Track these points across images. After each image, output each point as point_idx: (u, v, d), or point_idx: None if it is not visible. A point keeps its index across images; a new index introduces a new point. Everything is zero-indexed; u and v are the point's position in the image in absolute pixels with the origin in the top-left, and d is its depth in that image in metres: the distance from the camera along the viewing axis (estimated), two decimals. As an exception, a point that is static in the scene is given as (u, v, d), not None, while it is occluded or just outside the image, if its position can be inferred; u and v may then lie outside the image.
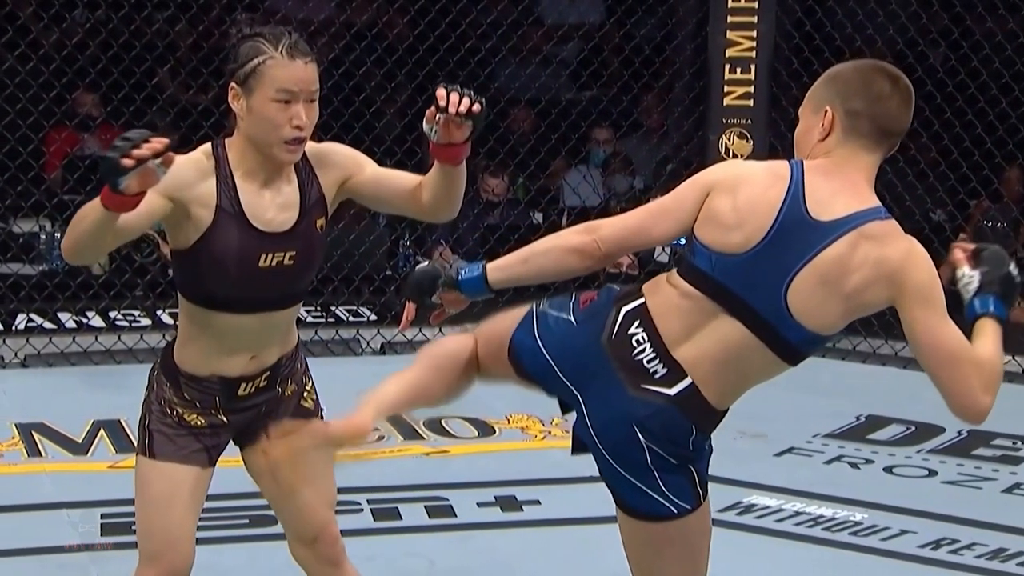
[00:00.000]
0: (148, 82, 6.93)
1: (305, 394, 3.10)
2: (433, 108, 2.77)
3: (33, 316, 6.70)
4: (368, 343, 6.93)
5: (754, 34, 7.04)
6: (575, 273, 2.76)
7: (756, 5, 7.06)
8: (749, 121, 7.03)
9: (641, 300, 2.69)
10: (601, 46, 8.25)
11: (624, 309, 2.69)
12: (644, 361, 2.65)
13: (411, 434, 5.49)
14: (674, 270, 2.72)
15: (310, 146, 2.94)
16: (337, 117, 7.11)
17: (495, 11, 7.77)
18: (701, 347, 2.65)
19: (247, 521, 4.47)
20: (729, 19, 7.07)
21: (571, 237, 2.74)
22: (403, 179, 2.99)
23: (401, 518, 4.61)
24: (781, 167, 2.69)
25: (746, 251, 2.62)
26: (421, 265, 2.79)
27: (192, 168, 2.84)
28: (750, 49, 7.08)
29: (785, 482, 5.03)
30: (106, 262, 7.06)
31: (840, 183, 2.66)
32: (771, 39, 7.11)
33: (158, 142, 2.54)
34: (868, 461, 5.36)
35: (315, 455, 2.79)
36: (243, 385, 2.98)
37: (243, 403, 3.00)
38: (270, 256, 2.87)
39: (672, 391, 2.65)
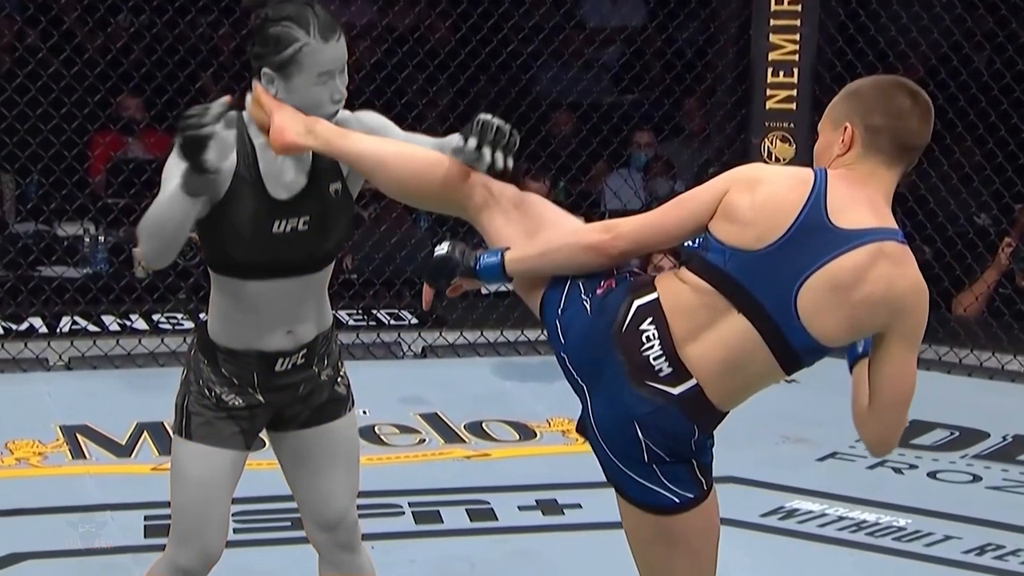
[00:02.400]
0: (191, 86, 6.96)
1: (339, 379, 3.11)
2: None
3: (77, 319, 6.73)
4: (409, 346, 6.93)
5: (797, 37, 7.01)
6: (590, 270, 2.75)
7: (799, 8, 7.03)
8: (792, 125, 7.00)
9: (655, 295, 2.69)
10: (643, 49, 8.24)
11: (637, 303, 2.69)
12: (651, 358, 2.66)
13: (452, 437, 5.49)
14: (683, 266, 2.72)
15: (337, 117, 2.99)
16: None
17: (537, 14, 7.77)
18: (708, 346, 2.65)
19: (289, 524, 4.48)
20: (772, 22, 7.04)
21: (588, 235, 2.75)
22: (423, 143, 3.00)
23: (442, 521, 4.62)
24: (805, 172, 2.70)
25: (761, 248, 2.63)
26: (440, 249, 2.79)
27: (224, 146, 2.85)
28: (793, 52, 7.05)
29: (828, 487, 5.00)
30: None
31: (861, 196, 2.67)
32: (814, 42, 7.08)
33: (224, 99, 2.66)
34: (911, 466, 5.33)
35: None
36: (280, 361, 2.98)
37: (280, 380, 3.00)
38: (283, 223, 2.89)
39: (676, 391, 2.66)
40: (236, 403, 2.99)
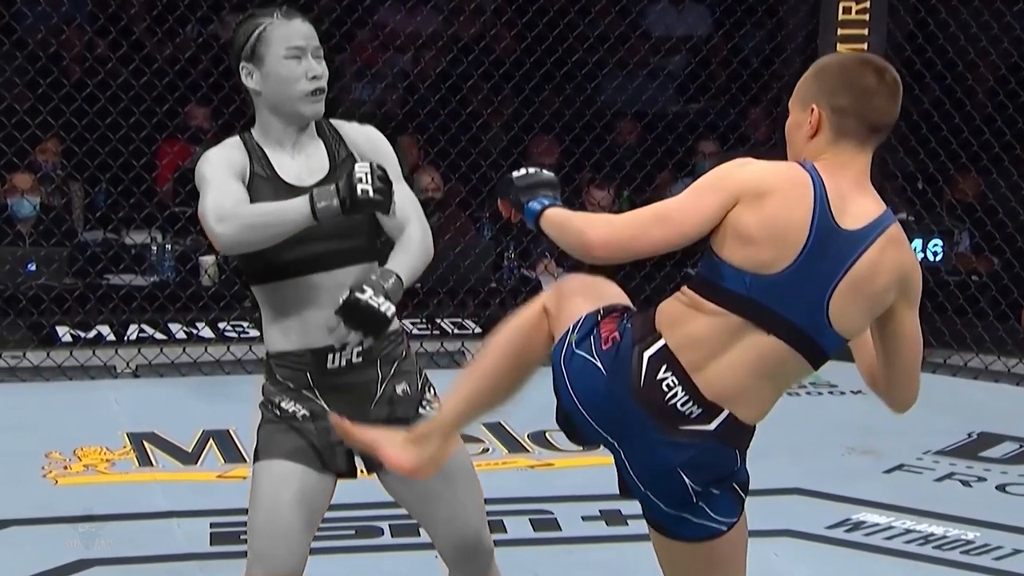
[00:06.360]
0: (258, 96, 7.00)
1: (425, 403, 3.05)
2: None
3: (144, 327, 6.79)
4: (473, 355, 6.93)
5: (865, 47, 6.95)
6: (577, 258, 2.74)
7: (867, 17, 6.98)
8: (858, 134, 6.94)
9: (662, 342, 2.64)
10: (709, 58, 8.22)
11: (647, 354, 2.64)
12: (678, 405, 2.62)
13: (516, 447, 5.49)
14: (686, 291, 2.67)
15: (343, 123, 3.03)
16: (444, 130, 7.14)
17: (602, 24, 7.77)
18: (733, 369, 2.62)
19: (353, 532, 4.49)
20: (839, 31, 7.00)
21: (589, 231, 2.68)
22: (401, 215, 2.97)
23: (506, 531, 4.61)
24: (798, 173, 2.63)
25: (783, 269, 2.59)
26: (515, 172, 2.85)
27: (236, 151, 2.96)
28: (860, 61, 7.00)
29: (895, 499, 4.96)
30: (215, 273, 7.15)
31: (849, 184, 2.64)
32: (882, 52, 7.00)
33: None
34: (980, 479, 5.28)
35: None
36: (331, 357, 2.94)
37: (337, 380, 2.95)
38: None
39: (711, 427, 2.62)
40: (297, 410, 2.95)
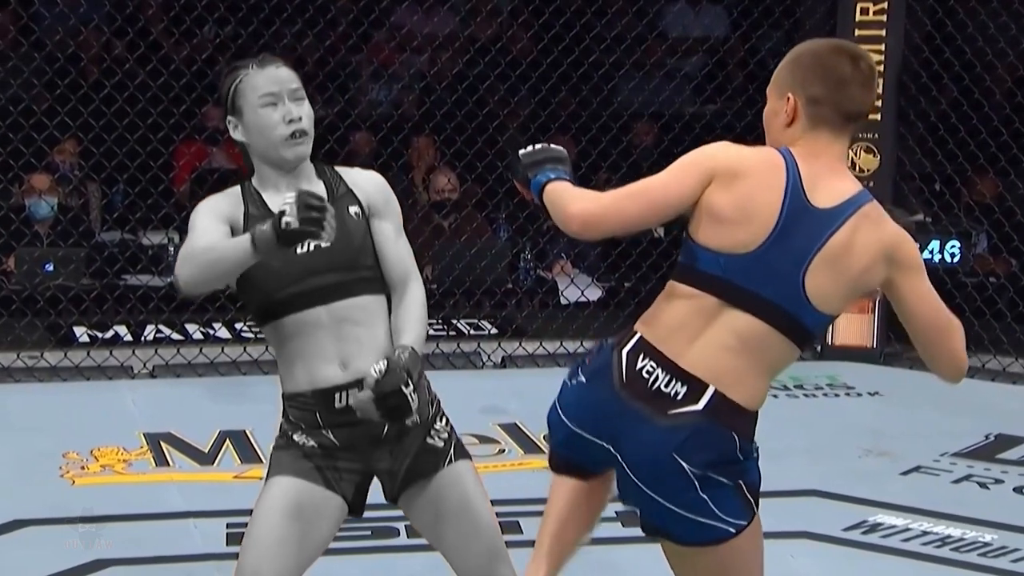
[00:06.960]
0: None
1: (433, 432, 3.04)
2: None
3: (161, 327, 6.81)
4: (489, 356, 6.94)
5: (882, 48, 6.95)
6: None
7: (885, 18, 6.97)
8: (876, 135, 6.94)
9: (637, 336, 2.69)
10: (725, 59, 8.20)
11: (624, 350, 2.69)
12: (662, 387, 2.64)
13: (532, 448, 5.49)
14: (671, 286, 2.70)
15: (348, 169, 3.06)
16: (461, 131, 7.14)
17: (619, 25, 7.77)
18: (712, 348, 2.64)
19: (369, 533, 4.49)
20: (857, 32, 6.99)
21: (572, 205, 2.72)
22: (395, 263, 3.00)
23: (522, 532, 4.60)
24: (774, 156, 2.69)
25: (756, 248, 2.63)
26: (522, 150, 2.88)
27: (231, 199, 3.02)
28: (878, 63, 6.98)
29: (912, 501, 4.95)
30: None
31: (823, 168, 2.67)
32: (899, 53, 7.01)
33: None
34: (997, 481, 5.26)
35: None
36: (338, 396, 2.94)
37: (344, 417, 2.95)
38: (306, 243, 2.88)
39: (700, 406, 2.64)
40: (306, 442, 2.97)
